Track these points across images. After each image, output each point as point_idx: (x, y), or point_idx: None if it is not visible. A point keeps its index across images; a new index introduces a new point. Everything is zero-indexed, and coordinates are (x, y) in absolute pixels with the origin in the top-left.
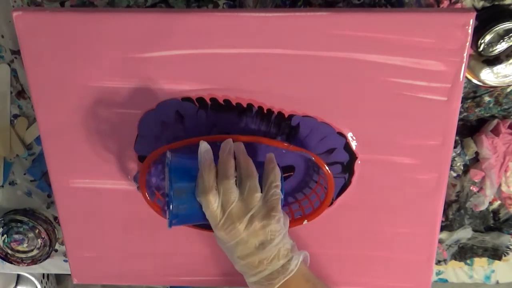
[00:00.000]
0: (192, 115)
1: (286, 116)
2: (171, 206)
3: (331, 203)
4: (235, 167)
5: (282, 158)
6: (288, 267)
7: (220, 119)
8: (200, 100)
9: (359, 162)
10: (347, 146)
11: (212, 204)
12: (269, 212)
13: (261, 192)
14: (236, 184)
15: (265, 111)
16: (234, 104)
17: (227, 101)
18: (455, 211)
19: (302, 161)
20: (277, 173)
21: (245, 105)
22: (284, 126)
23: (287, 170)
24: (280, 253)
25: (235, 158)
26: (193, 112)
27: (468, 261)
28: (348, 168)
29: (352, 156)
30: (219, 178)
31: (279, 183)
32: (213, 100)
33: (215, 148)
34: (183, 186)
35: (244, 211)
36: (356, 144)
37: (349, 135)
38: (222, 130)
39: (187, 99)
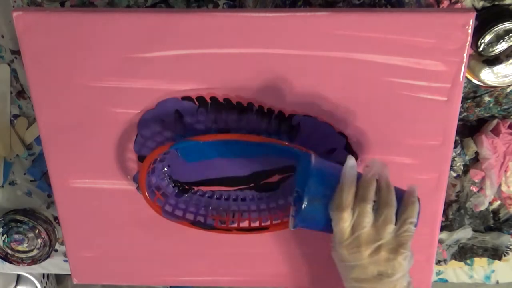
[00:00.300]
0: (192, 113)
1: (287, 115)
2: (302, 210)
3: None
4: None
5: (281, 158)
6: None
7: (220, 117)
8: (200, 99)
9: (359, 162)
10: (348, 146)
11: (344, 222)
12: (398, 248)
13: (395, 225)
14: (372, 209)
15: (265, 110)
16: (234, 103)
17: (227, 100)
18: (455, 211)
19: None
20: (416, 208)
21: (245, 105)
22: (284, 125)
23: (287, 170)
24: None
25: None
26: (193, 111)
27: (468, 261)
28: None
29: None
30: (357, 198)
31: (415, 219)
32: (213, 99)
33: (218, 147)
34: (319, 195)
35: (373, 239)
36: (356, 144)
37: (350, 135)
38: (222, 129)
39: (187, 98)
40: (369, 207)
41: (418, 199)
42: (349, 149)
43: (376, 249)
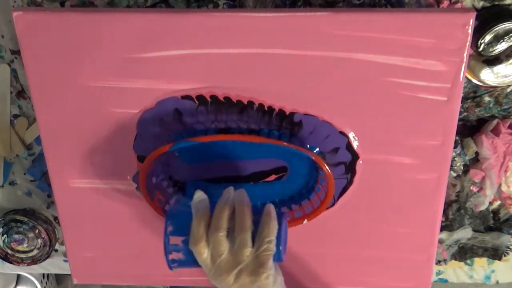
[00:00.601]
0: (192, 112)
1: (287, 113)
2: (165, 254)
3: (333, 204)
4: (230, 216)
5: (281, 157)
6: None
7: (220, 115)
8: (200, 97)
9: (360, 162)
10: (349, 146)
11: (202, 254)
12: (257, 269)
13: (252, 247)
14: (228, 235)
15: (266, 108)
16: (235, 101)
17: (227, 99)
18: (455, 211)
19: (301, 160)
20: (273, 227)
21: (245, 103)
22: (286, 122)
23: (280, 170)
24: None
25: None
26: (193, 109)
27: (468, 261)
28: (350, 168)
29: (354, 156)
30: (210, 229)
31: (273, 238)
32: (213, 97)
33: (218, 147)
34: (178, 235)
35: (232, 265)
36: (357, 144)
37: (351, 135)
38: (223, 126)
39: (187, 97)
40: (221, 236)
41: (281, 217)
42: (351, 149)
43: (238, 274)
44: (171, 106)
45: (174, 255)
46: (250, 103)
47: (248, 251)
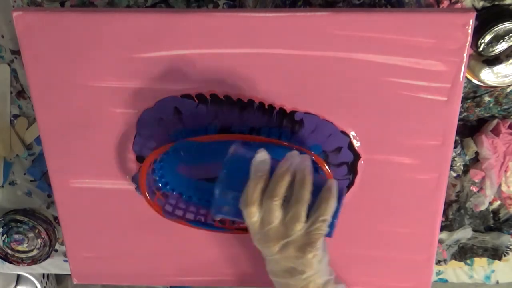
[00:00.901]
0: (192, 110)
1: (288, 112)
2: (214, 200)
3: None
4: (289, 184)
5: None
6: None
7: (221, 113)
8: (200, 96)
9: (362, 162)
10: (351, 146)
11: (251, 218)
12: (305, 246)
13: (306, 222)
14: (282, 203)
15: (266, 107)
16: (235, 100)
17: (227, 97)
18: (455, 211)
19: None
20: (331, 205)
21: (246, 101)
22: (287, 121)
23: None
24: (310, 285)
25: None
26: (193, 108)
27: (468, 261)
28: (352, 169)
29: (356, 156)
30: (266, 194)
31: (328, 217)
32: (213, 96)
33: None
34: (231, 187)
35: (281, 235)
36: (358, 144)
37: (352, 134)
38: (223, 124)
39: (187, 96)
40: (275, 204)
41: (341, 194)
42: (352, 149)
43: (285, 246)
44: (171, 105)
45: (218, 208)
46: (251, 101)
47: (300, 225)
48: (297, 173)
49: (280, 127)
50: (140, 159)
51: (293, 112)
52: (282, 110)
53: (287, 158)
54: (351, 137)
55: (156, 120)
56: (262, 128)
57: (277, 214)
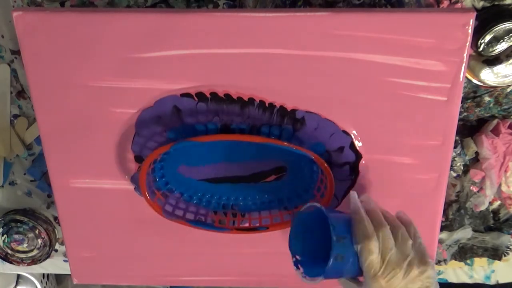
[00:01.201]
0: (191, 109)
1: (289, 110)
2: (332, 255)
3: (337, 205)
4: None
5: (281, 157)
6: None
7: (221, 112)
8: (200, 94)
9: (363, 162)
10: (353, 145)
11: (373, 251)
12: (423, 258)
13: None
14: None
15: (267, 105)
16: (235, 98)
17: (227, 95)
18: (455, 211)
19: (301, 160)
20: (415, 226)
21: (246, 99)
22: (288, 119)
23: (280, 170)
24: None
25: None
26: (192, 106)
27: (468, 261)
28: (354, 169)
29: (358, 156)
30: (376, 226)
31: (419, 233)
32: (213, 94)
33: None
34: (344, 233)
35: (401, 258)
36: (360, 144)
37: (353, 134)
38: (224, 122)
39: (186, 95)
40: (389, 230)
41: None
42: (354, 149)
43: (408, 266)
44: (170, 104)
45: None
46: (251, 99)
47: (410, 243)
48: (376, 207)
49: (281, 125)
50: (138, 159)
51: (294, 111)
52: (283, 108)
53: (363, 199)
54: (353, 136)
55: (155, 119)
56: (263, 126)
57: (393, 239)
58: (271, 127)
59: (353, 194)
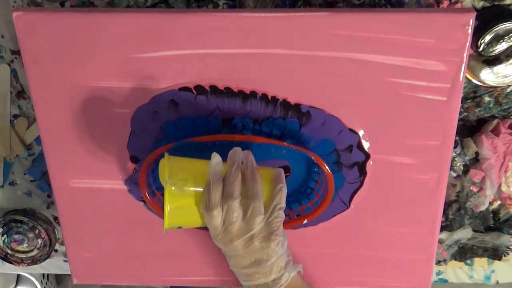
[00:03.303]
0: (190, 101)
1: (293, 104)
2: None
3: (346, 209)
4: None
5: (281, 157)
6: (278, 282)
7: (222, 104)
8: (199, 88)
9: (371, 162)
10: (360, 145)
11: (215, 220)
12: (269, 235)
13: (264, 214)
14: (240, 203)
15: (269, 98)
16: (236, 91)
17: (228, 89)
18: (455, 211)
19: (302, 160)
20: (284, 193)
21: (248, 93)
22: (293, 111)
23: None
24: (273, 269)
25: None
26: (191, 99)
27: (468, 261)
28: (362, 170)
29: (367, 156)
30: (224, 195)
31: (284, 205)
32: (213, 87)
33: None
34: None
35: (244, 231)
36: (368, 144)
37: (360, 133)
38: (225, 115)
39: (184, 89)
40: (236, 203)
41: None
42: (362, 148)
43: (249, 240)
44: (167, 98)
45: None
46: (253, 92)
47: (260, 218)
48: (247, 170)
49: (285, 119)
50: (134, 159)
51: (298, 105)
52: (286, 102)
53: (232, 156)
54: (360, 135)
55: (150, 115)
56: (266, 120)
57: (237, 213)
58: (275, 120)
59: (214, 156)
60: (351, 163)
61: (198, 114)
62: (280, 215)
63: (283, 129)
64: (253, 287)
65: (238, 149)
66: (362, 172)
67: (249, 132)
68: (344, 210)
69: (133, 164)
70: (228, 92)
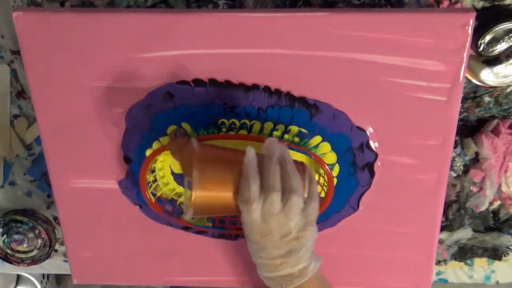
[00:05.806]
0: (188, 93)
1: (297, 96)
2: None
3: (354, 212)
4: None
5: None
6: (305, 272)
7: (223, 94)
8: (197, 80)
9: (379, 163)
10: (368, 144)
11: (255, 213)
12: (306, 226)
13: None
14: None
15: (272, 90)
16: (237, 83)
17: (228, 82)
18: (455, 211)
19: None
20: (316, 185)
21: (250, 85)
22: (299, 102)
23: None
24: (302, 259)
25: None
26: (189, 91)
27: (468, 261)
28: (371, 171)
29: (376, 155)
30: (265, 188)
31: (318, 196)
32: (212, 80)
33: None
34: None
35: (283, 223)
36: (376, 144)
37: (368, 131)
38: (226, 106)
39: (182, 82)
40: (277, 195)
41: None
42: (370, 147)
43: (287, 231)
44: (163, 92)
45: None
46: (255, 85)
47: (300, 210)
48: (284, 164)
49: (292, 107)
50: (126, 159)
51: (303, 97)
52: (290, 94)
53: (269, 147)
54: (368, 134)
55: (144, 108)
56: (270, 107)
57: (278, 205)
58: (281, 108)
59: (249, 149)
60: (364, 163)
61: (197, 104)
62: (316, 206)
63: (290, 118)
64: (277, 278)
65: (274, 140)
66: (372, 173)
67: (253, 119)
68: (350, 214)
69: (122, 165)
70: (228, 84)
